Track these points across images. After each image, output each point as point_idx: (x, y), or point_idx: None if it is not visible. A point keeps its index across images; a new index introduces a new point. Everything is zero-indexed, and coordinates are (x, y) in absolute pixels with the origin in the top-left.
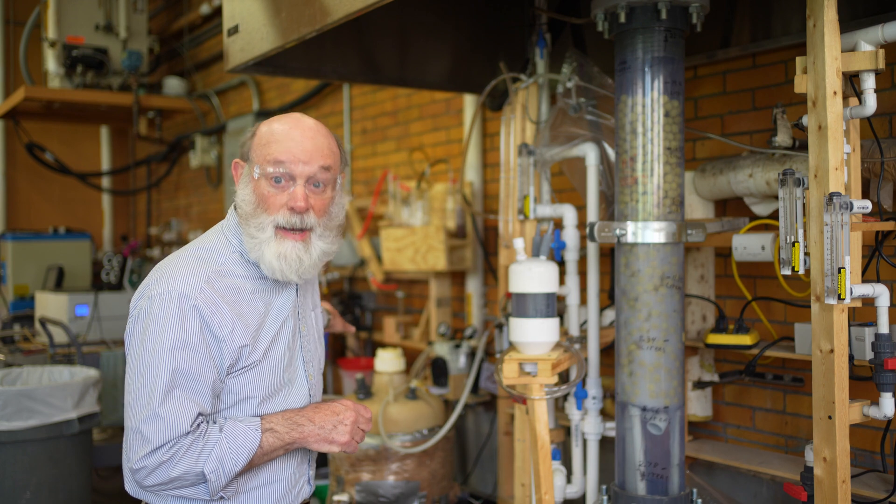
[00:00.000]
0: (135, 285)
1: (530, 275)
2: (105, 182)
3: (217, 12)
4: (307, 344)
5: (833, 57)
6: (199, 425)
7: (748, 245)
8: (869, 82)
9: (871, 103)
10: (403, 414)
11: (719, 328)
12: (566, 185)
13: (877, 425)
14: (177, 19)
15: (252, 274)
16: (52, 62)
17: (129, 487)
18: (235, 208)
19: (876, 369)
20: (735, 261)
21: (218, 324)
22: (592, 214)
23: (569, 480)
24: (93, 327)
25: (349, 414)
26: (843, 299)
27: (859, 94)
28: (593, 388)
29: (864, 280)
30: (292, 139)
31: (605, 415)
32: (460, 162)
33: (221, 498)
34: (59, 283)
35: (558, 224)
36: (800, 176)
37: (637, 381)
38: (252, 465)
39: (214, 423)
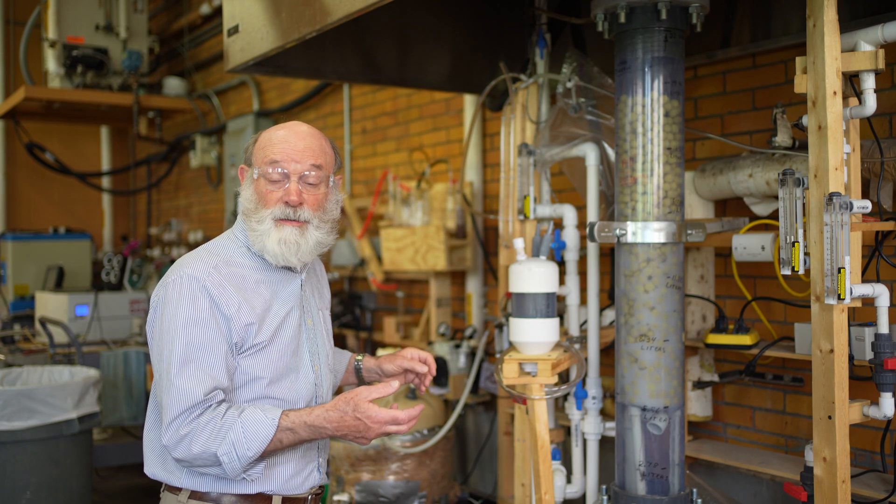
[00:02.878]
0: (135, 285)
1: (530, 275)
2: (105, 182)
3: (217, 12)
4: (313, 337)
5: (833, 57)
6: (218, 402)
7: (748, 245)
8: (869, 82)
9: (870, 103)
10: None
11: (719, 328)
12: (566, 185)
13: (877, 425)
14: (177, 19)
15: (258, 265)
16: (52, 62)
17: (150, 470)
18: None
19: (876, 369)
20: (735, 261)
21: (225, 303)
22: (592, 214)
23: (569, 480)
24: (93, 327)
25: (373, 434)
26: (843, 299)
27: (859, 94)
28: (593, 388)
29: (864, 280)
30: (286, 141)
31: (605, 415)
32: (460, 162)
33: (243, 479)
34: (59, 283)
35: (558, 224)
36: (800, 176)
37: (637, 381)
38: (270, 454)
39: (239, 408)
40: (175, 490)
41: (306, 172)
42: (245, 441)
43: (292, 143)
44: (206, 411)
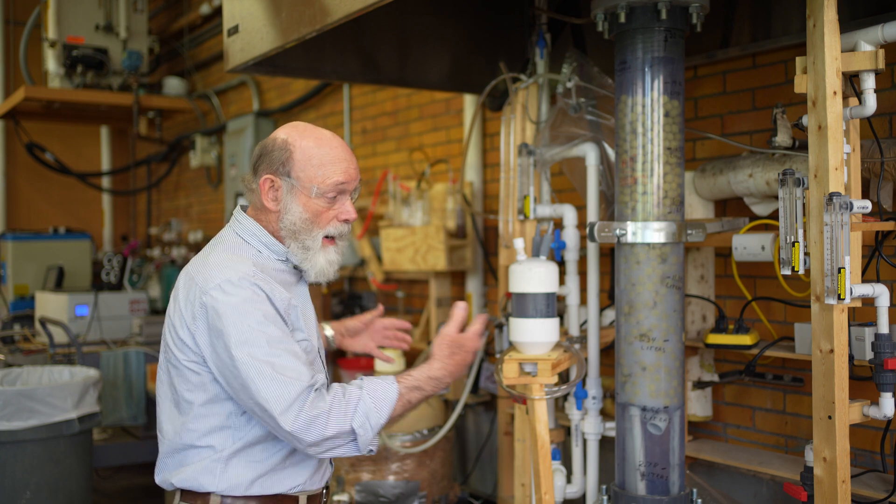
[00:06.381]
0: (135, 285)
1: (530, 275)
2: (105, 182)
3: (217, 12)
4: (318, 339)
5: (833, 57)
6: (321, 384)
7: (748, 245)
8: (869, 82)
9: (871, 103)
10: None
11: (719, 328)
12: (566, 185)
13: (877, 425)
14: (177, 19)
15: (278, 268)
16: (52, 62)
17: (178, 479)
18: (243, 209)
19: (876, 369)
20: (735, 261)
21: (278, 298)
22: (592, 214)
23: (569, 480)
24: (93, 327)
25: (472, 356)
26: (843, 299)
27: (859, 94)
28: (593, 388)
29: (864, 280)
30: (344, 160)
31: (605, 415)
32: (460, 162)
33: (370, 451)
34: (59, 283)
35: (558, 224)
36: (800, 176)
37: (637, 381)
38: (398, 417)
39: (356, 383)
40: (201, 497)
41: (354, 189)
42: (376, 409)
43: (349, 161)
44: (324, 394)
